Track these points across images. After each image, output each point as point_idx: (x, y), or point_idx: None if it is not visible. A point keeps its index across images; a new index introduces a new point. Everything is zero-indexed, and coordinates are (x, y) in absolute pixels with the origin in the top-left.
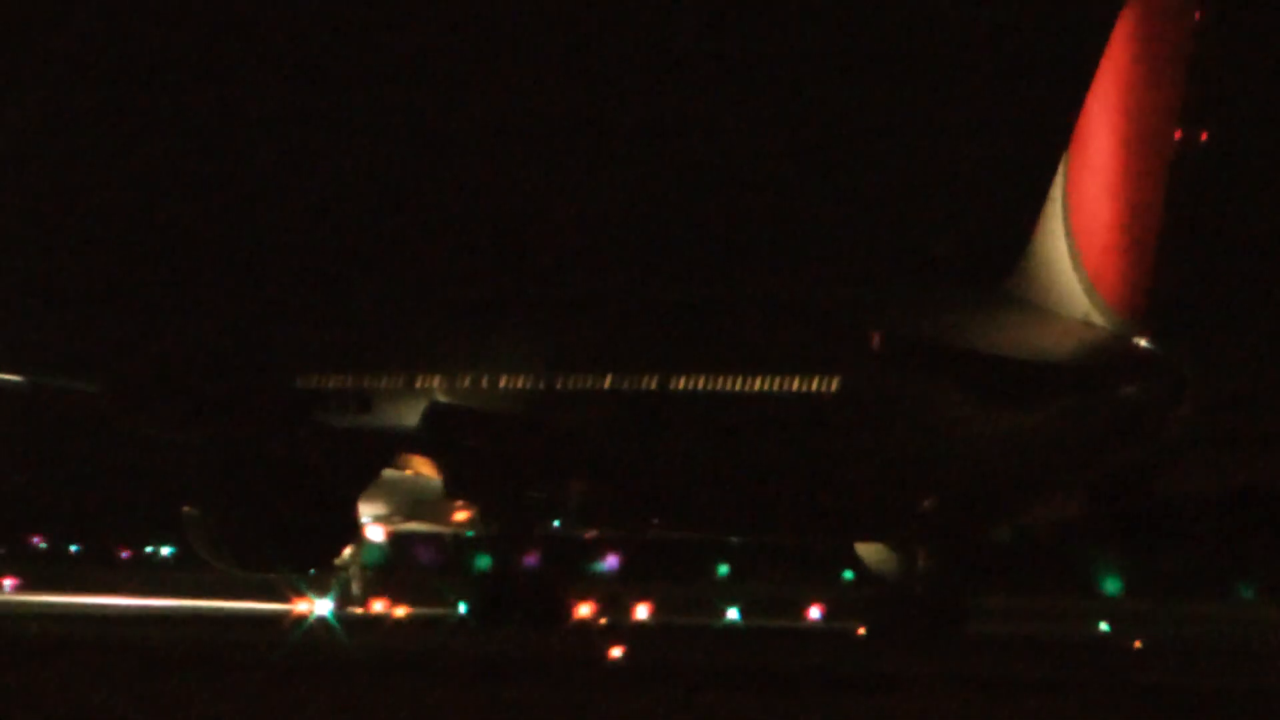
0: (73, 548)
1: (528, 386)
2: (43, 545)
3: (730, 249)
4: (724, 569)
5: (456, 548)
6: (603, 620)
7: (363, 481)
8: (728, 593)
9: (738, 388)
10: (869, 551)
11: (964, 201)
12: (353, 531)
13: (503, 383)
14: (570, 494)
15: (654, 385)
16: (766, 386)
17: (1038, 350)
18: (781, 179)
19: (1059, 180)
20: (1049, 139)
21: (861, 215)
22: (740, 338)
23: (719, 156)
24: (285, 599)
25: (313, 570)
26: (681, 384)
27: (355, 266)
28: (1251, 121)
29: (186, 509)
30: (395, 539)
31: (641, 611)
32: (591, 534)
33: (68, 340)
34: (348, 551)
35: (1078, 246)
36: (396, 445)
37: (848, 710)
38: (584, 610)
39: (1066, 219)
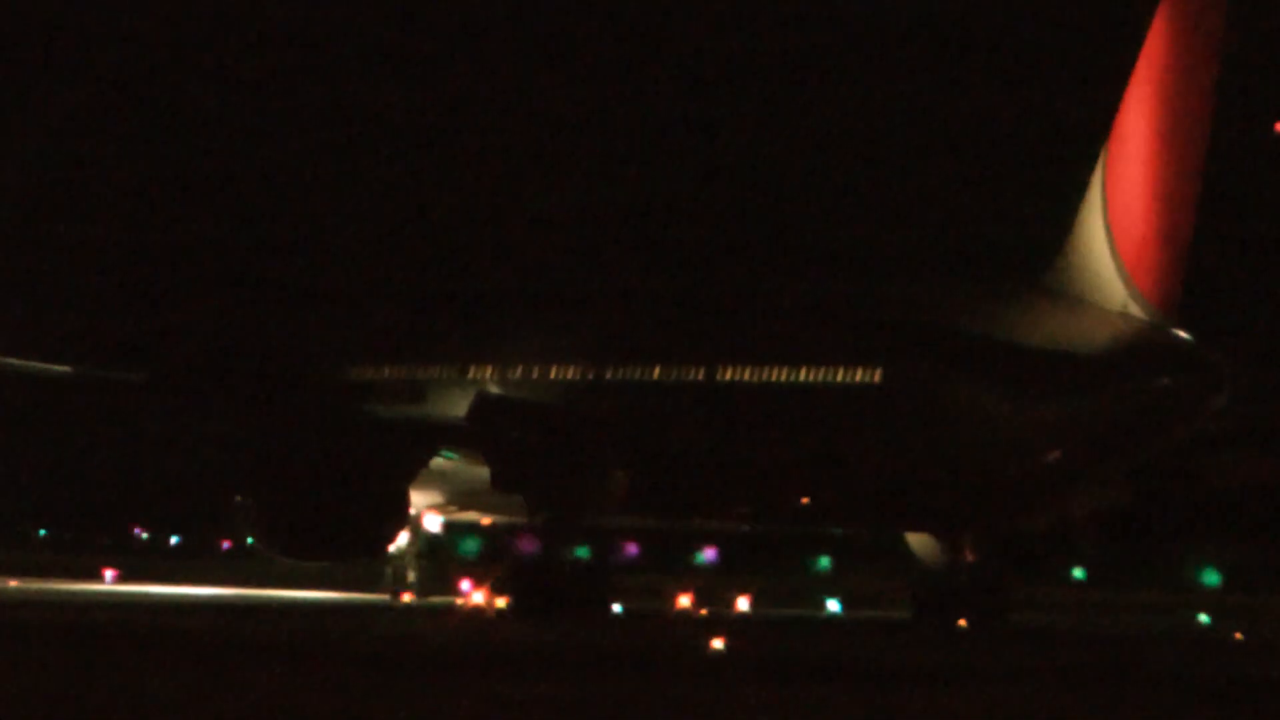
0: (173, 539)
1: (574, 378)
2: (144, 536)
3: (780, 244)
4: (825, 561)
5: (498, 537)
6: (703, 611)
7: (410, 471)
8: (829, 585)
9: (782, 379)
10: (916, 542)
11: (1004, 195)
12: (402, 520)
13: (549, 373)
14: (615, 485)
15: (699, 377)
16: (810, 378)
17: (1076, 342)
18: (827, 175)
19: (1098, 174)
20: (1089, 132)
21: (904, 210)
22: (785, 330)
23: (765, 152)
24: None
25: (365, 559)
26: (726, 375)
27: (402, 256)
28: None
29: (239, 498)
30: (485, 530)
31: (742, 603)
32: (639, 524)
33: (113, 330)
34: (403, 540)
35: (1116, 239)
36: (442, 436)
37: (944, 704)
38: (684, 601)
39: (1105, 212)
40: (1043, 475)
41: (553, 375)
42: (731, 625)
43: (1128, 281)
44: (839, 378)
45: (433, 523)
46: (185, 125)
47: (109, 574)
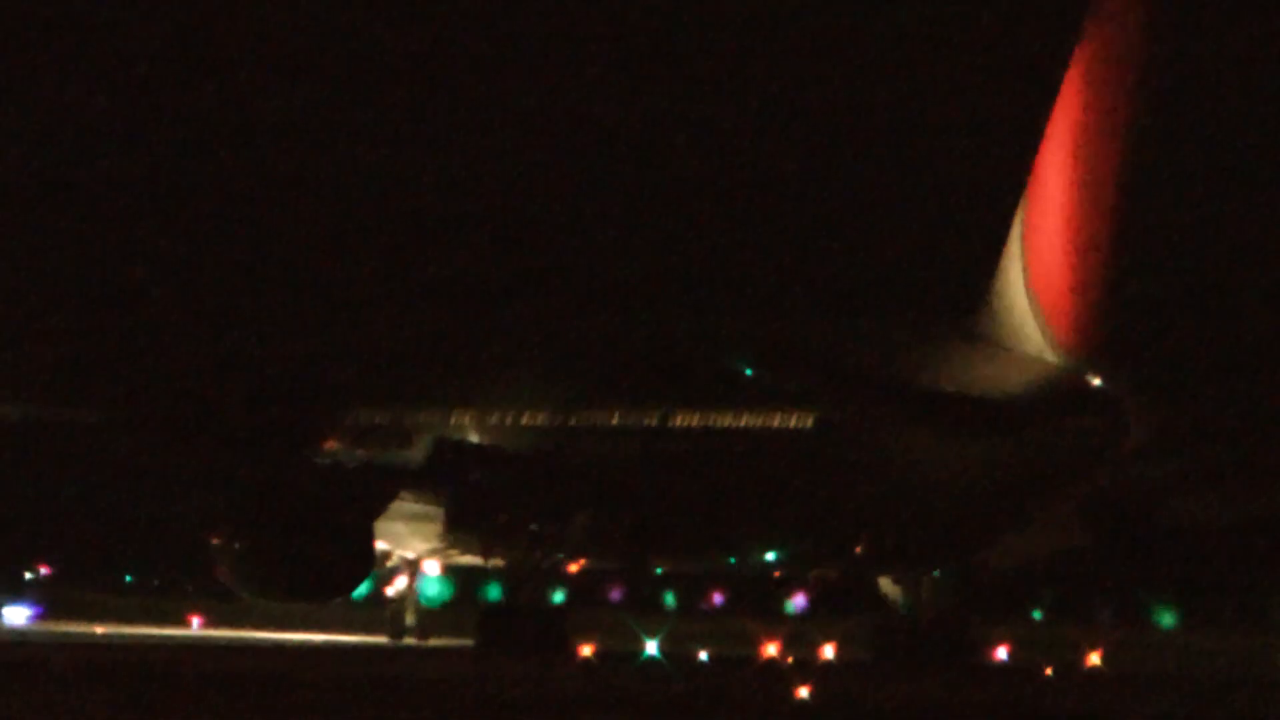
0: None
1: (533, 422)
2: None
3: (714, 287)
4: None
5: (464, 579)
6: (789, 659)
7: (370, 515)
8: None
9: (720, 424)
10: (884, 584)
11: (931, 241)
12: (367, 562)
13: (511, 418)
14: (575, 528)
15: (649, 421)
16: (746, 423)
17: (992, 387)
18: (764, 220)
19: (1018, 218)
20: (1011, 178)
21: (833, 252)
22: (721, 375)
23: (698, 192)
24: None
25: (333, 599)
26: (669, 420)
27: (370, 299)
28: (1203, 161)
29: (213, 539)
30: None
31: (828, 650)
32: (609, 567)
33: (58, 365)
34: (401, 583)
35: (1033, 284)
36: (401, 479)
37: None
38: (771, 649)
39: (1024, 258)
40: (963, 517)
41: (514, 420)
42: (817, 672)
43: (1044, 326)
44: (774, 422)
45: (431, 567)
46: (135, 138)
47: (195, 620)
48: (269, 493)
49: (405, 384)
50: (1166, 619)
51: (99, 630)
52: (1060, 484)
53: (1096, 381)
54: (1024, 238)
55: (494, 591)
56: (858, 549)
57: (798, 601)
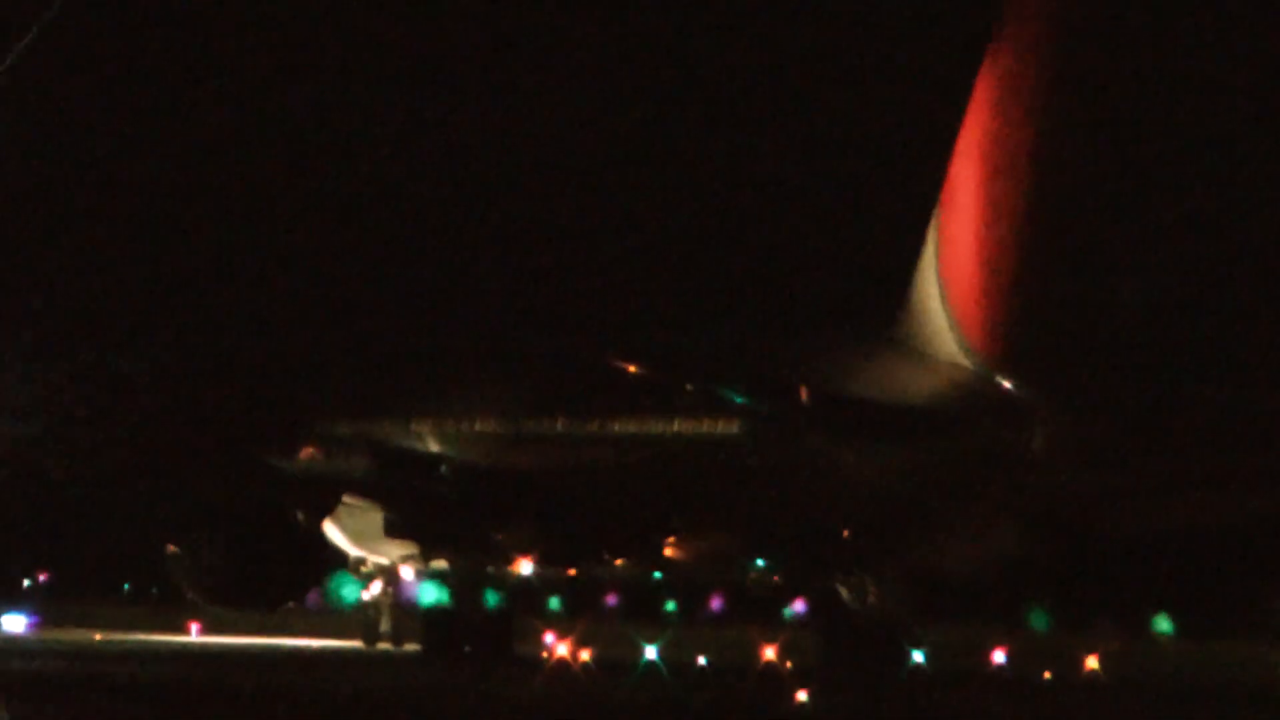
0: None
1: (472, 431)
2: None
3: (646, 301)
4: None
5: (397, 584)
6: (788, 664)
7: (315, 520)
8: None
9: (654, 432)
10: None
11: (852, 248)
12: (315, 568)
13: (450, 427)
14: (514, 533)
15: (582, 430)
16: (672, 431)
17: (906, 392)
18: (691, 231)
19: (933, 227)
20: (926, 189)
21: (762, 262)
22: (645, 385)
23: (626, 212)
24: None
25: (283, 606)
26: (600, 428)
27: (319, 306)
28: (1111, 166)
29: (170, 548)
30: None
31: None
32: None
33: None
34: (376, 589)
35: (946, 290)
36: (343, 485)
37: None
38: (769, 653)
39: (937, 264)
40: (882, 521)
41: (456, 429)
42: (816, 678)
43: (956, 332)
44: (699, 429)
45: (407, 573)
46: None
47: (194, 627)
48: (218, 501)
49: (352, 394)
50: (1164, 626)
51: (97, 638)
52: (972, 487)
53: (1006, 385)
54: (939, 246)
55: (434, 596)
56: (786, 554)
57: (797, 608)
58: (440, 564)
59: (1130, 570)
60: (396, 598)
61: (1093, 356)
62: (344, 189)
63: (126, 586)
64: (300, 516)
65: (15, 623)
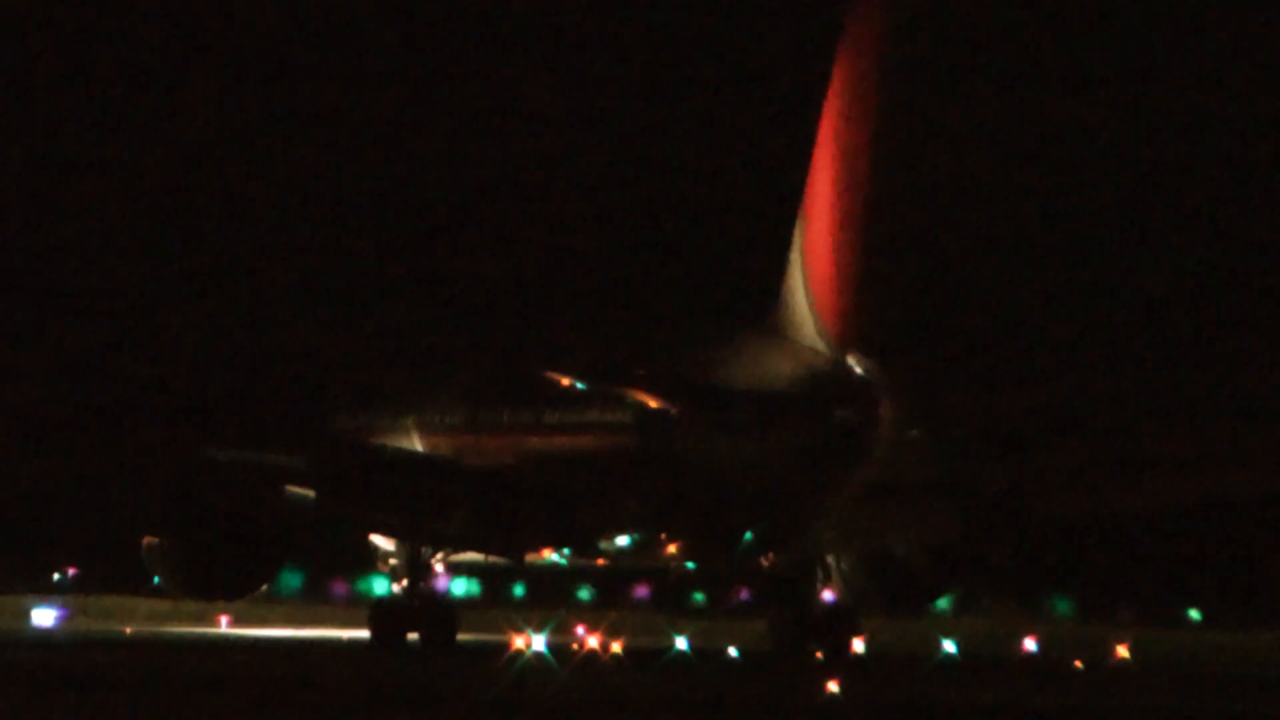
0: (293, 583)
1: (410, 423)
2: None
3: (533, 304)
4: (943, 602)
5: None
6: (818, 654)
7: (259, 510)
8: (947, 626)
9: (554, 422)
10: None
11: (732, 242)
12: (271, 557)
13: (386, 417)
14: (452, 523)
15: (501, 420)
16: (578, 419)
17: (765, 379)
18: (577, 231)
19: (798, 223)
20: (796, 175)
21: (647, 258)
22: (543, 380)
23: (518, 205)
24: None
25: (247, 596)
26: (510, 418)
27: (272, 301)
28: (962, 156)
29: (146, 540)
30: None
31: (858, 645)
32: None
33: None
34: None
35: (808, 278)
36: (282, 475)
37: None
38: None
39: (801, 253)
40: (756, 506)
41: (397, 420)
42: (847, 667)
43: (816, 319)
44: (597, 419)
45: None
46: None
47: (224, 620)
48: (175, 494)
49: (300, 387)
50: (1193, 615)
51: (127, 631)
52: (824, 468)
53: (859, 370)
54: (803, 236)
55: (380, 585)
56: (691, 540)
57: (826, 597)
58: (473, 557)
59: (1158, 559)
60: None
61: (932, 340)
62: (286, 185)
63: (156, 580)
64: (236, 505)
65: (45, 616)
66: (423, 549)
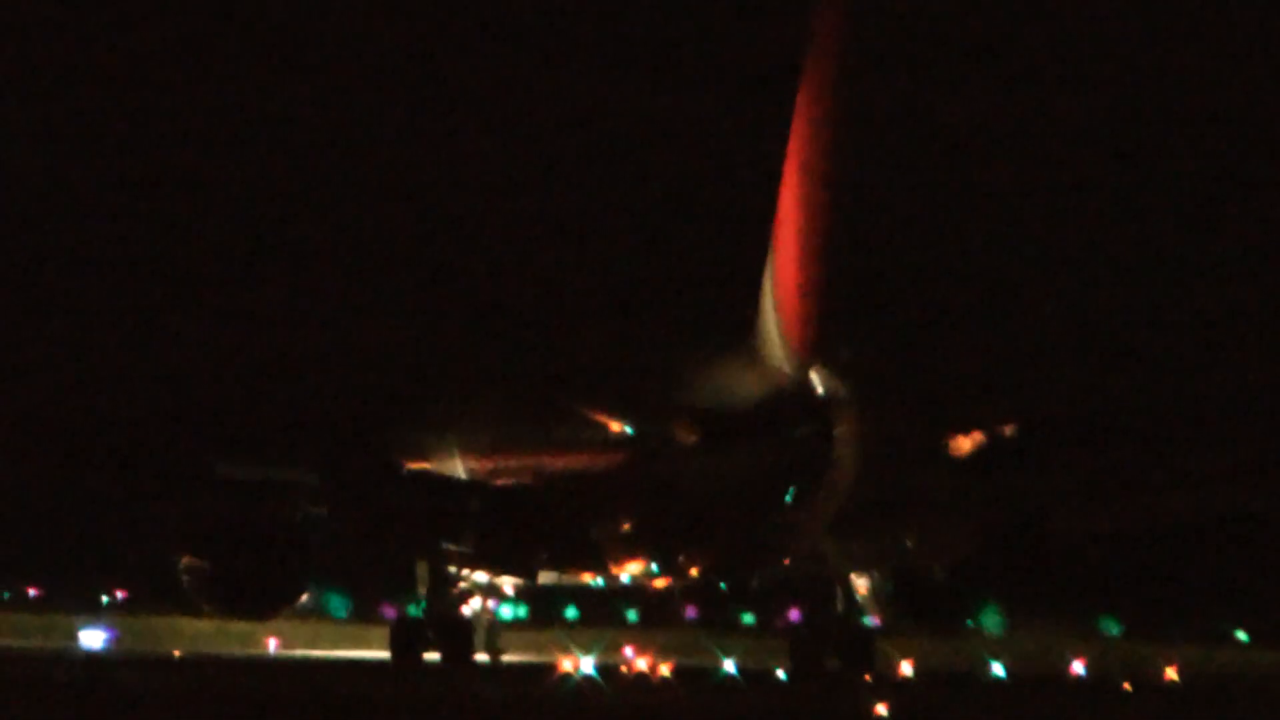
0: (341, 606)
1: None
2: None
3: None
4: (991, 623)
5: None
6: (867, 676)
7: (280, 528)
8: (994, 646)
9: (559, 443)
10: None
11: (715, 265)
12: (294, 580)
13: (404, 441)
14: (462, 543)
15: (506, 440)
16: (577, 441)
17: (734, 400)
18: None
19: (770, 237)
20: (763, 202)
21: (647, 280)
22: (540, 400)
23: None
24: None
25: (272, 615)
26: (516, 439)
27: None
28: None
29: (184, 559)
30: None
31: (906, 667)
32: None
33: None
34: (476, 604)
35: (776, 297)
36: (300, 494)
37: None
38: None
39: (771, 271)
40: (733, 527)
41: (422, 442)
42: (896, 689)
43: (782, 337)
44: (590, 440)
45: (508, 586)
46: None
47: (272, 641)
48: (190, 512)
49: (311, 403)
50: (1241, 634)
51: (176, 654)
52: (785, 487)
53: (818, 389)
54: (773, 259)
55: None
56: (680, 560)
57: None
58: (550, 578)
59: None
60: (493, 612)
61: (892, 359)
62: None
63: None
64: (255, 524)
65: (94, 638)
66: (439, 568)
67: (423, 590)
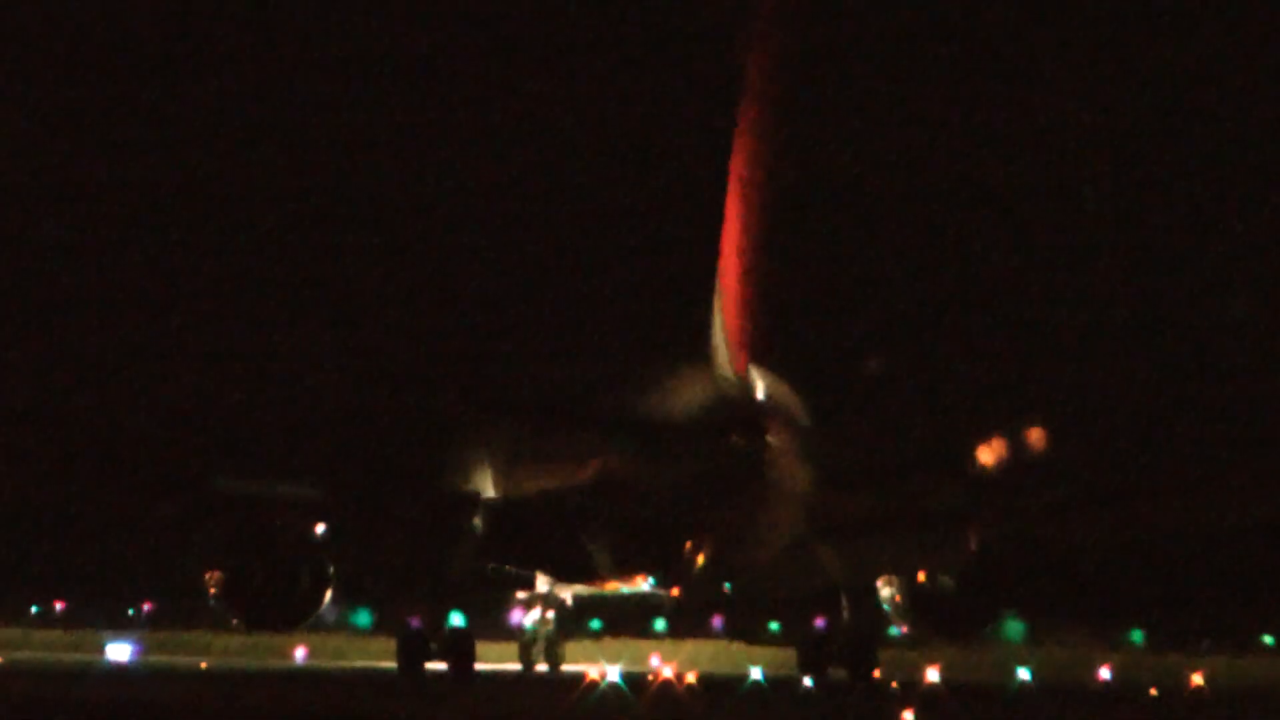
0: (362, 622)
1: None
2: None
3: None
4: (1015, 632)
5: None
6: (894, 683)
7: (284, 541)
8: (1021, 654)
9: (544, 455)
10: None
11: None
12: (312, 591)
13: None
14: (458, 554)
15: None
16: (555, 453)
17: (679, 409)
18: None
19: (719, 247)
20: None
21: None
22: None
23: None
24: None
25: (293, 627)
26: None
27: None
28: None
29: (212, 573)
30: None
31: (932, 674)
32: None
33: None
34: (535, 615)
35: (721, 309)
36: (300, 507)
37: None
38: (874, 673)
39: (717, 284)
40: (689, 535)
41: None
42: (922, 697)
43: (726, 346)
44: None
45: (568, 595)
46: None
47: (299, 652)
48: (227, 527)
49: (306, 416)
50: (1267, 640)
51: (203, 665)
52: (723, 495)
53: (760, 396)
54: (719, 269)
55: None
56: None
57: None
58: (609, 588)
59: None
60: (555, 623)
61: (829, 369)
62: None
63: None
64: (259, 537)
65: (121, 651)
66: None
67: (428, 602)
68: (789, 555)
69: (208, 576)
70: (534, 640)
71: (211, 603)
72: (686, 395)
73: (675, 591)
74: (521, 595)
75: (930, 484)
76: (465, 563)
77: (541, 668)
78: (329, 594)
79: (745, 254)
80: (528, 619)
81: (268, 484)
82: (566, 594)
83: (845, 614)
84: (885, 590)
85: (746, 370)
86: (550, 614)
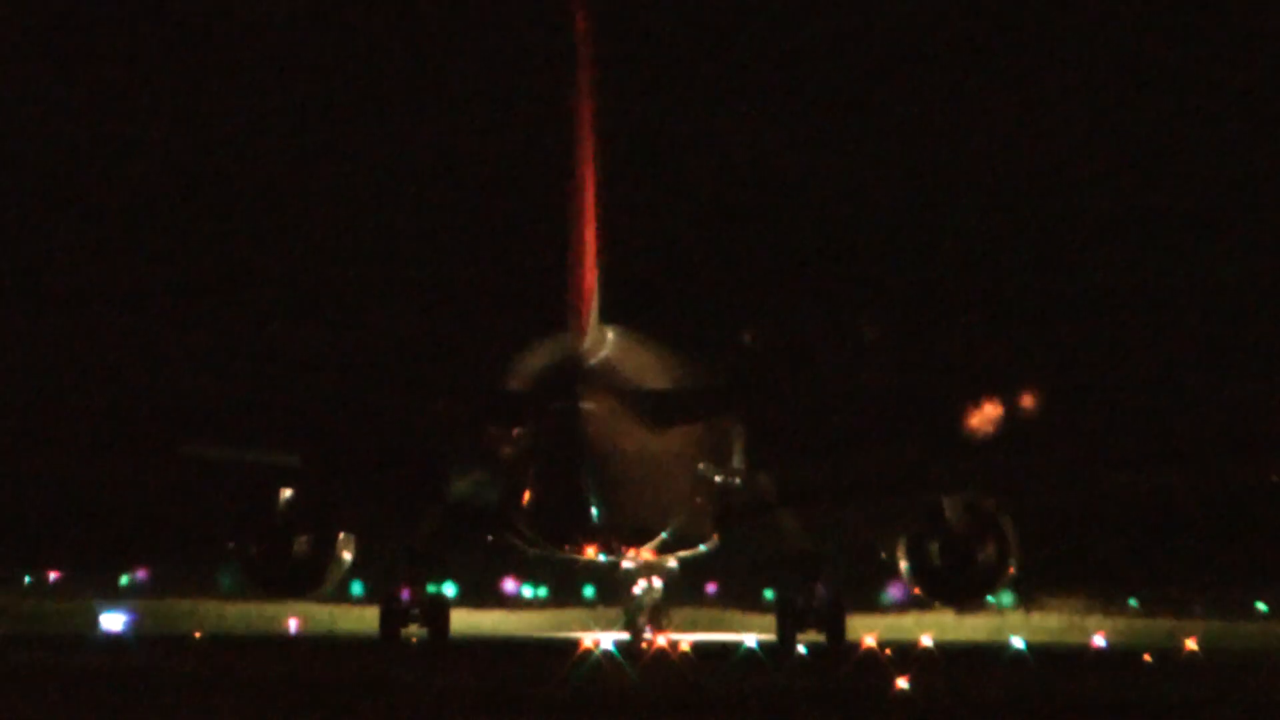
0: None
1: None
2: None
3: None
4: (1008, 599)
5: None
6: (888, 650)
7: (267, 509)
8: (1015, 622)
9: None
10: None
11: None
12: (320, 565)
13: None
14: (426, 517)
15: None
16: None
17: (522, 379)
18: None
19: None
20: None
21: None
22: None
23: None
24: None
25: (304, 595)
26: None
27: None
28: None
29: (229, 544)
30: None
31: (926, 640)
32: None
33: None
34: (641, 587)
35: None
36: (279, 476)
37: None
38: (869, 639)
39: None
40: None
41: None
42: (917, 662)
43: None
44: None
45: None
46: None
47: (292, 622)
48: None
49: (280, 383)
50: (1261, 606)
51: (197, 635)
52: (554, 461)
53: (591, 363)
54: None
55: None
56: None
57: (894, 592)
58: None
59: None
60: (659, 591)
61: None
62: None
63: (227, 583)
64: (250, 505)
65: (114, 620)
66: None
67: (407, 571)
68: (741, 520)
69: (229, 545)
70: (641, 608)
71: (222, 573)
72: (536, 362)
73: (626, 559)
74: (628, 564)
75: (889, 451)
76: (436, 531)
77: (647, 635)
78: (346, 560)
79: (590, 211)
80: (637, 587)
81: (241, 450)
82: (672, 562)
83: (820, 579)
84: (895, 555)
85: (589, 331)
86: (657, 581)
